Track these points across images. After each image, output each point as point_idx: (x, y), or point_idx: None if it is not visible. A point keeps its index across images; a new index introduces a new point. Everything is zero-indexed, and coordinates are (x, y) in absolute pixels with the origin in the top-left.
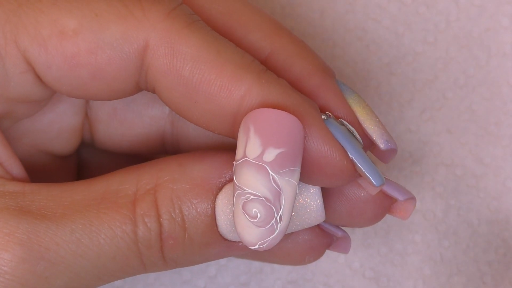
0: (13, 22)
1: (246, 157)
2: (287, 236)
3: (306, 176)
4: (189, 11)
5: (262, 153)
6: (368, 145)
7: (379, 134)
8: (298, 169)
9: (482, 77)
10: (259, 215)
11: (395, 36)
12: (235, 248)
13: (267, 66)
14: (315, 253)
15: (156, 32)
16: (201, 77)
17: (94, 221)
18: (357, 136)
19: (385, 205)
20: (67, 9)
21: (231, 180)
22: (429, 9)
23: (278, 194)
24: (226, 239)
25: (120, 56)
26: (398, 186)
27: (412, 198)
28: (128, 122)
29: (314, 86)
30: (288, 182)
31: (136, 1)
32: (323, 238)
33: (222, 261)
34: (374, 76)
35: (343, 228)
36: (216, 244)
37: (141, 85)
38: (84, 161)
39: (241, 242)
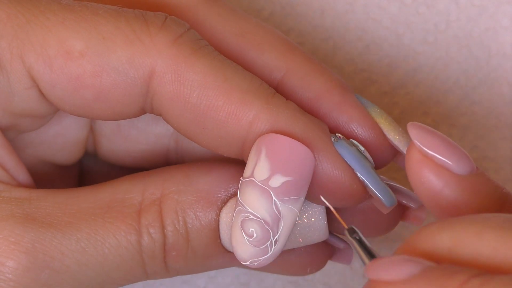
0: (20, 38)
1: (253, 177)
2: (290, 250)
3: (316, 197)
4: (197, 36)
5: (269, 178)
6: (392, 155)
7: (405, 143)
8: (302, 198)
9: (482, 77)
10: (255, 235)
11: (395, 36)
12: (237, 260)
13: (284, 85)
14: (317, 264)
15: (162, 58)
16: (209, 104)
17: (100, 231)
18: (368, 156)
19: (398, 213)
20: (74, 30)
21: (236, 194)
22: (429, 9)
23: (277, 219)
24: (228, 252)
25: (125, 81)
26: (410, 193)
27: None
28: (132, 138)
29: (335, 103)
30: (289, 210)
31: (144, 26)
32: (325, 250)
33: None
34: (374, 76)
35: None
36: (219, 256)
37: (146, 109)
38: (86, 168)
39: None
